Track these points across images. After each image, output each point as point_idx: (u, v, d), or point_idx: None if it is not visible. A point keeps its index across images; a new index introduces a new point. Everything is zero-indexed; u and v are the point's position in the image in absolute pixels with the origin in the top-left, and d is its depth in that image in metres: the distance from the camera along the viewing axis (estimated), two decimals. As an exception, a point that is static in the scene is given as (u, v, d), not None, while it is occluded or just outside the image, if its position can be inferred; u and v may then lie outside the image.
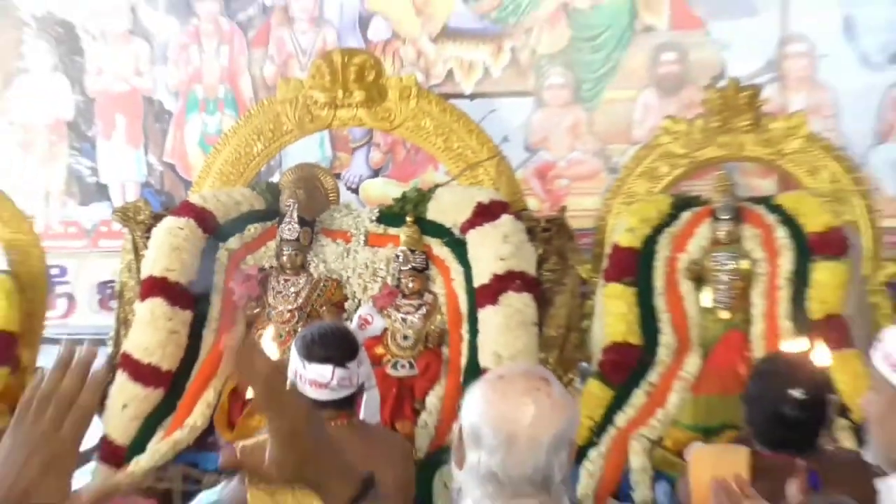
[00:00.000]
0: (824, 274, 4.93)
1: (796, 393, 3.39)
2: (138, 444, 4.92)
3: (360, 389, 3.81)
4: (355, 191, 8.50)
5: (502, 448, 2.18)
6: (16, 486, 1.34)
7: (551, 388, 2.27)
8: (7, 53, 9.29)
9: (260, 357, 1.42)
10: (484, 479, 2.20)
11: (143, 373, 5.01)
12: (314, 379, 3.49)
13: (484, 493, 2.21)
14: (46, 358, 5.65)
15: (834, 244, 4.99)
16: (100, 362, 1.39)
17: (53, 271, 6.20)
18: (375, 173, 8.74)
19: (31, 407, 1.38)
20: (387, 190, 5.87)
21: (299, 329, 4.60)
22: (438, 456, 4.61)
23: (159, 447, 4.87)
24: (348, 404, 3.63)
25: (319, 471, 1.50)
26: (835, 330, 4.79)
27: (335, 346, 3.60)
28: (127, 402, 4.97)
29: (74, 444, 1.38)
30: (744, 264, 5.04)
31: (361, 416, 3.98)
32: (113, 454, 4.91)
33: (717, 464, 3.40)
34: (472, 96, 8.58)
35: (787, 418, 3.37)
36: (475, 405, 2.24)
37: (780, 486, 2.60)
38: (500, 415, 2.21)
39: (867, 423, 2.40)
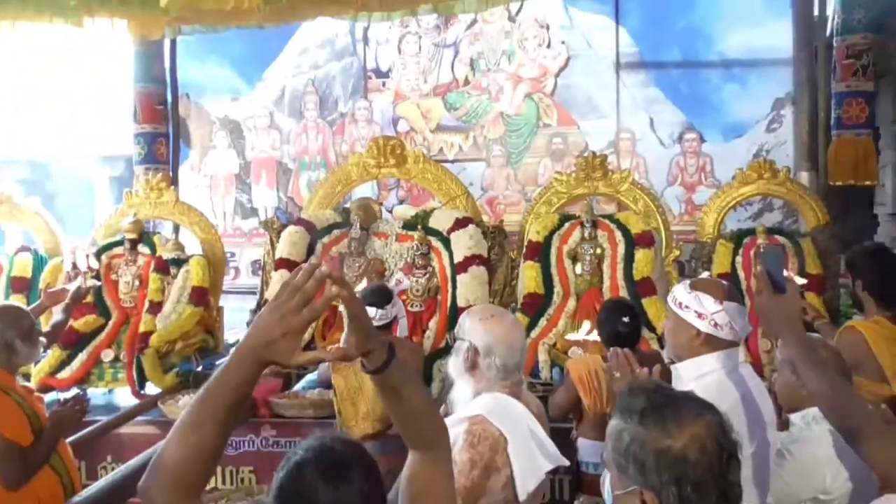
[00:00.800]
0: (641, 256, 4.87)
1: (625, 318, 3.40)
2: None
3: (395, 319, 3.83)
4: (390, 211, 8.39)
5: (507, 352, 2.18)
6: (263, 339, 1.28)
7: (514, 316, 2.34)
8: (204, 138, 9.27)
9: (348, 285, 1.36)
10: (497, 370, 2.18)
11: (276, 310, 4.94)
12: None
13: (496, 377, 2.18)
14: (224, 302, 5.59)
15: (646, 240, 4.93)
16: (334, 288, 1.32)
17: (228, 254, 6.12)
18: (401, 202, 8.74)
19: (285, 292, 1.30)
20: (408, 211, 5.87)
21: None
22: (435, 354, 4.60)
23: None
24: (387, 328, 3.66)
25: (371, 345, 1.43)
26: (647, 286, 4.78)
27: (378, 297, 3.69)
28: (268, 325, 4.92)
29: (305, 325, 1.30)
30: (598, 251, 4.98)
31: (398, 333, 3.95)
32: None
33: (586, 365, 3.37)
34: (453, 161, 8.57)
35: (620, 332, 3.37)
36: (484, 332, 2.20)
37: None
38: (502, 335, 2.20)
39: (664, 335, 2.38)
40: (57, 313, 4.21)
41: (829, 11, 7.07)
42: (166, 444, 1.32)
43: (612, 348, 2.27)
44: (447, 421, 2.12)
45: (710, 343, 2.04)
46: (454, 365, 2.26)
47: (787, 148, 8.29)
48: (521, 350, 2.26)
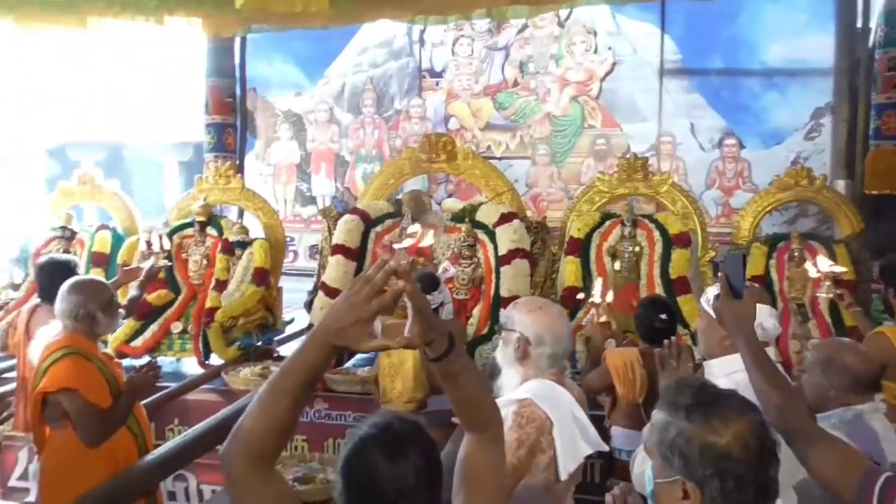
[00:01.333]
0: (677, 256, 4.82)
1: (661, 315, 3.37)
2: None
3: (442, 304, 3.82)
4: (439, 204, 8.37)
5: (556, 341, 2.18)
6: (336, 326, 1.33)
7: (559, 307, 2.33)
8: (268, 130, 9.38)
9: (413, 279, 1.39)
10: (547, 359, 2.18)
11: (331, 292, 4.96)
12: None
13: (546, 365, 2.19)
14: (283, 283, 5.65)
15: (683, 240, 4.87)
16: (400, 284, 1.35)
17: (287, 239, 6.18)
18: (450, 196, 8.72)
19: (357, 284, 1.36)
20: (455, 204, 5.87)
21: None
22: (478, 340, 4.62)
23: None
24: (434, 313, 3.64)
25: (433, 335, 1.46)
26: (682, 285, 4.73)
27: (425, 283, 3.64)
28: (322, 306, 4.94)
29: (374, 314, 1.34)
30: (637, 249, 4.94)
31: (443, 317, 3.95)
32: (315, 332, 4.93)
33: (623, 357, 3.37)
34: (500, 158, 8.49)
35: (656, 328, 3.35)
36: (534, 323, 2.19)
37: (654, 362, 2.56)
38: (550, 325, 2.19)
39: (697, 333, 2.38)
40: (132, 289, 4.34)
41: (872, 24, 6.88)
42: (245, 416, 1.38)
43: (669, 339, 2.27)
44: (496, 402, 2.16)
45: (740, 343, 2.03)
46: (503, 355, 2.25)
47: (825, 156, 8.09)
48: (567, 338, 2.26)
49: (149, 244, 5.10)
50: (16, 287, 5.35)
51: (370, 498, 1.40)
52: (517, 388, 2.18)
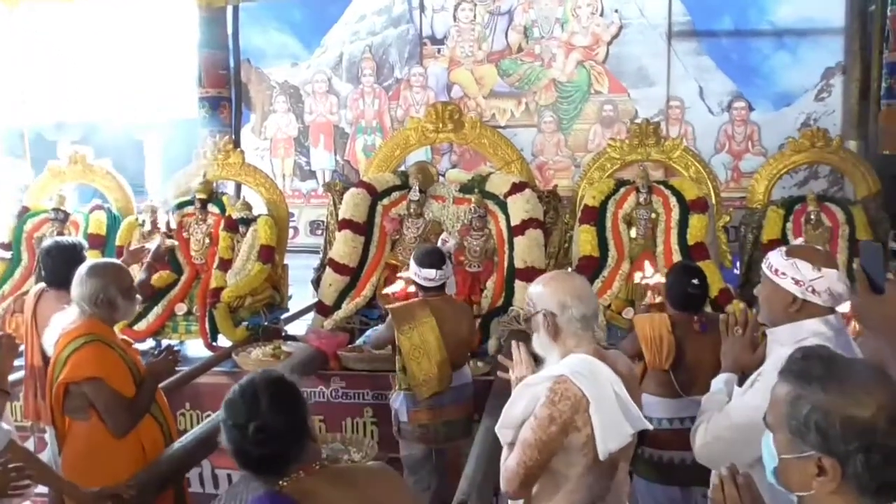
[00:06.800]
0: (694, 221, 4.80)
1: (694, 281, 3.34)
2: (337, 305, 4.87)
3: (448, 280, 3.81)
4: (443, 175, 8.28)
5: (579, 302, 2.12)
6: None
7: (574, 273, 2.28)
8: (264, 103, 9.23)
9: None
10: (577, 321, 2.12)
11: (339, 268, 4.95)
12: (427, 276, 3.61)
13: (580, 329, 2.12)
14: (289, 260, 5.57)
15: (699, 205, 4.84)
16: None
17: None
18: (454, 167, 8.62)
19: None
20: (461, 175, 5.77)
21: (419, 246, 4.53)
22: (493, 312, 4.64)
23: (347, 306, 4.85)
24: (443, 288, 3.67)
25: None
26: (700, 251, 4.71)
27: (435, 258, 3.68)
28: (331, 283, 4.94)
29: None
30: (653, 216, 4.90)
31: (448, 291, 3.86)
32: (324, 310, 4.89)
33: (651, 322, 3.33)
34: (505, 127, 8.38)
35: (689, 295, 3.32)
36: (553, 293, 2.14)
37: (687, 329, 2.67)
38: (569, 289, 2.15)
39: (758, 301, 2.16)
40: (140, 272, 4.20)
41: (884, -20, 6.80)
42: None
43: (734, 305, 2.21)
44: (533, 378, 2.09)
45: (807, 309, 1.96)
46: (538, 341, 2.17)
47: (835, 117, 8.05)
48: (592, 298, 2.19)
49: (153, 223, 5.03)
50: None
51: (228, 426, 1.71)
52: (557, 364, 2.11)
